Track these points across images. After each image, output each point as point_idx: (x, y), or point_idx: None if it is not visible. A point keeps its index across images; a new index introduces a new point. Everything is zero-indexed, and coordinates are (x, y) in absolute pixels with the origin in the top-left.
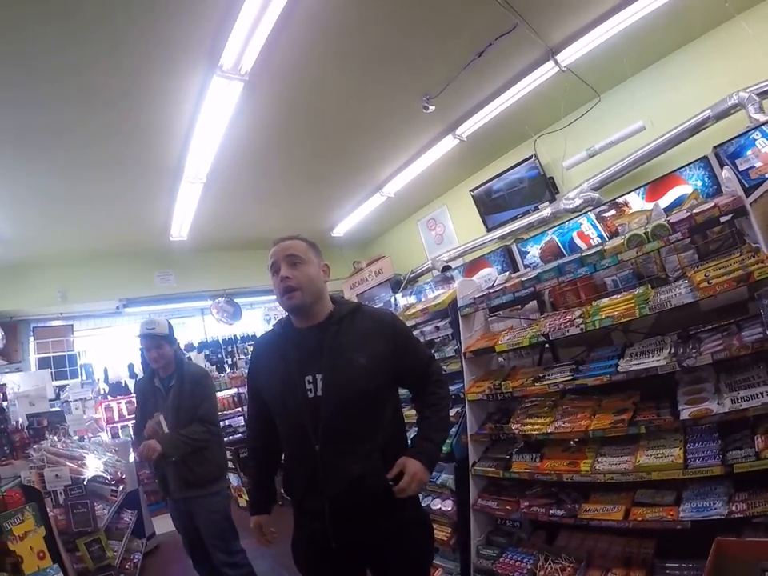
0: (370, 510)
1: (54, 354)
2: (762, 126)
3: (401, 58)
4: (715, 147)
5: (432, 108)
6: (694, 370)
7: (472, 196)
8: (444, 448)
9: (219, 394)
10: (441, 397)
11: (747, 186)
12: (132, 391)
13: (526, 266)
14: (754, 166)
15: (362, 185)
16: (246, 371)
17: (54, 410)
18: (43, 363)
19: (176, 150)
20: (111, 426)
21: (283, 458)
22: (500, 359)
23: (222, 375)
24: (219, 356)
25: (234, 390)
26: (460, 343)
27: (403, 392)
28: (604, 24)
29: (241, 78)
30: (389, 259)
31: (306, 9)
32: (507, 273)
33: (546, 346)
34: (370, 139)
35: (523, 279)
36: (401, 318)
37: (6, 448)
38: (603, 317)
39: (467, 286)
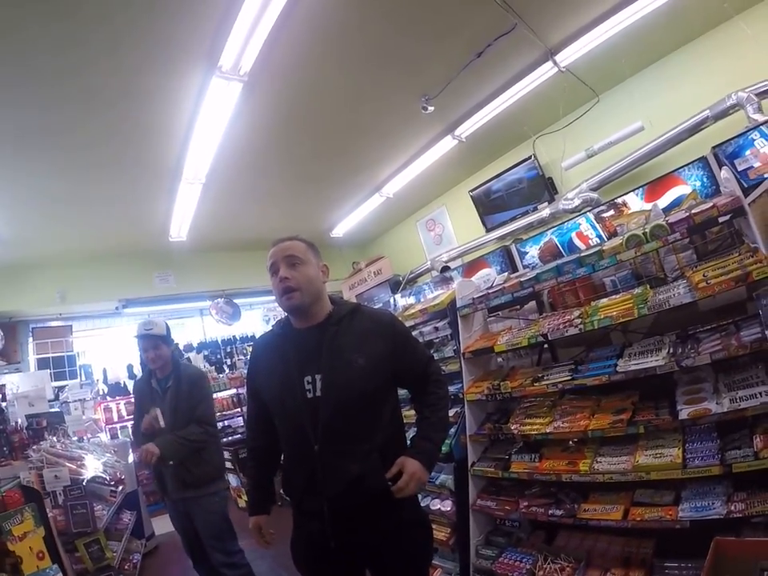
0: (369, 510)
1: (53, 355)
2: (761, 126)
3: (400, 58)
4: (714, 147)
5: (431, 109)
6: (692, 369)
7: (471, 196)
8: (443, 448)
9: (218, 395)
10: (440, 397)
11: (746, 186)
12: (131, 392)
13: (525, 267)
14: (752, 166)
15: (361, 185)
16: (245, 372)
17: (53, 410)
18: (42, 364)
19: (175, 151)
20: (110, 426)
21: (282, 458)
22: (499, 359)
23: (221, 376)
24: (218, 356)
25: (233, 391)
26: (459, 343)
27: (402, 392)
28: (602, 24)
29: (240, 78)
30: (388, 260)
31: (304, 9)
32: (506, 273)
33: (545, 346)
34: (369, 140)
35: (522, 279)
36: (400, 318)
37: (5, 449)
38: (602, 317)
39: (466, 287)
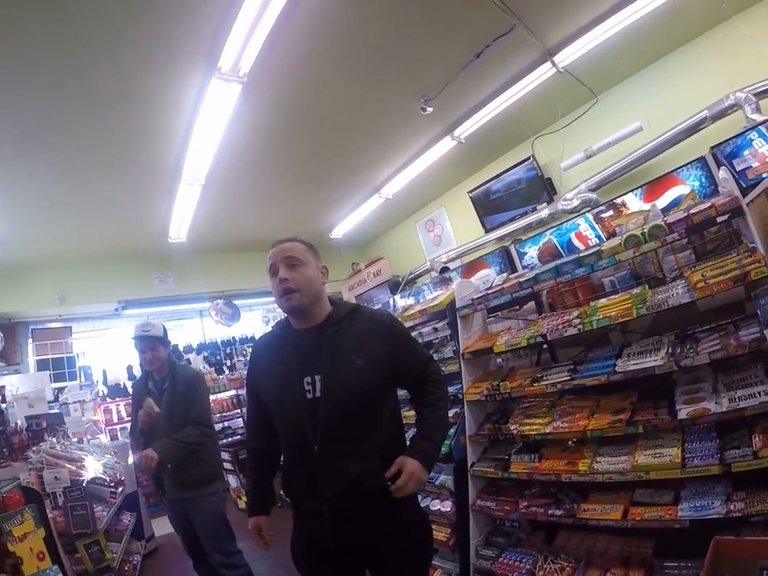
0: (369, 511)
1: (53, 356)
2: (759, 126)
3: (399, 59)
4: (712, 147)
5: (430, 109)
6: (691, 369)
7: (470, 197)
8: (443, 449)
9: (218, 396)
10: (439, 397)
11: (744, 186)
12: (131, 393)
13: (524, 267)
14: (750, 166)
15: (361, 186)
16: (245, 373)
17: (52, 411)
18: (42, 365)
19: (175, 152)
20: (110, 427)
21: (282, 459)
22: (498, 360)
23: (220, 377)
24: (218, 358)
25: (232, 392)
26: (458, 344)
27: (402, 393)
28: (601, 25)
29: (239, 79)
30: (387, 260)
31: (304, 10)
32: (505, 274)
33: (544, 346)
34: (369, 140)
35: (521, 280)
36: (399, 319)
37: (5, 450)
38: (601, 317)
39: (465, 287)
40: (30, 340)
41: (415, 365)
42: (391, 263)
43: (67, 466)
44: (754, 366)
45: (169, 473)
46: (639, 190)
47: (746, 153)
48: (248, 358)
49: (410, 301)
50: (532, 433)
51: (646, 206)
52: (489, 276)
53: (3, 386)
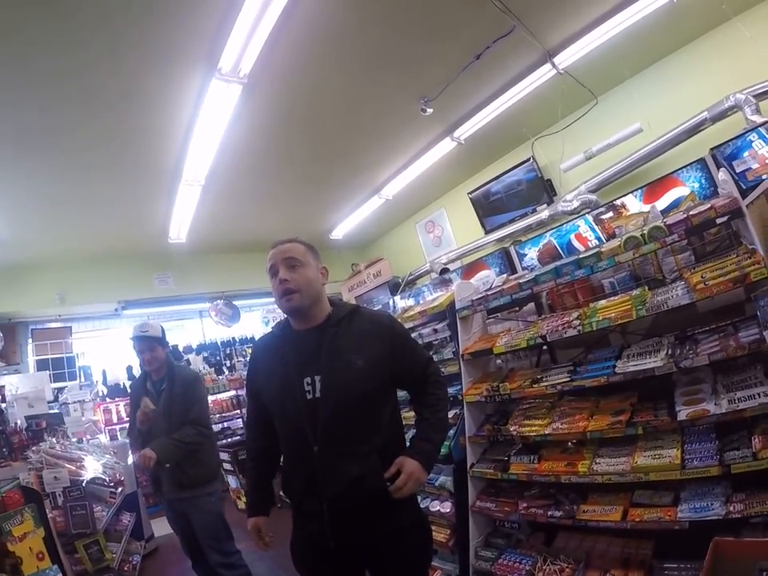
0: (369, 511)
1: (53, 356)
2: (759, 128)
3: (399, 60)
4: (712, 149)
5: (430, 110)
6: (691, 371)
7: (470, 198)
8: (442, 450)
9: (218, 396)
10: (439, 398)
11: (744, 187)
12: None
13: (523, 268)
14: (750, 168)
15: (361, 187)
16: (245, 373)
17: (52, 411)
18: (42, 365)
19: (175, 153)
20: (110, 427)
21: (282, 459)
22: (498, 361)
23: (220, 377)
24: (218, 358)
25: (232, 393)
26: (458, 345)
27: (402, 393)
28: (601, 27)
29: (239, 80)
30: (387, 261)
31: (304, 11)
32: (505, 275)
33: (544, 347)
34: (369, 141)
35: (521, 281)
36: (399, 320)
37: (4, 450)
38: (600, 318)
39: (465, 288)
40: (30, 340)
41: (415, 366)
42: (391, 264)
43: (67, 466)
44: (754, 367)
45: (167, 473)
46: (639, 191)
47: (745, 154)
48: (248, 358)
49: (410, 302)
50: (531, 434)
51: (646, 208)
52: (488, 277)
53: (3, 386)
